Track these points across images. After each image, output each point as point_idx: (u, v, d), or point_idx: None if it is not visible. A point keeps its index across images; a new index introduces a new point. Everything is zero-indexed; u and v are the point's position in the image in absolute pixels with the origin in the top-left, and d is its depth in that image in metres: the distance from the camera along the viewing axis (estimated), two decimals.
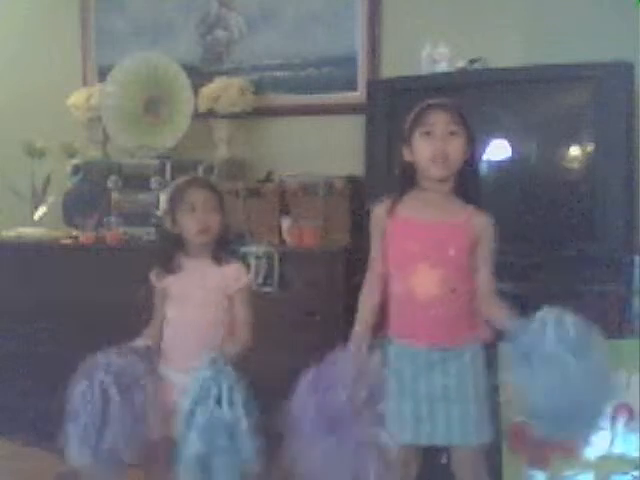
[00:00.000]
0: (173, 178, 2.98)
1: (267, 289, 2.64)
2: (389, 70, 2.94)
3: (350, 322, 1.89)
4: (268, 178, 2.95)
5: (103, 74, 3.34)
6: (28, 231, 3.19)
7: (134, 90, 3.20)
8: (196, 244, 1.99)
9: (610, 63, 2.25)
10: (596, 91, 2.26)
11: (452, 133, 1.81)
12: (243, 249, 2.69)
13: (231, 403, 1.76)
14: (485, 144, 2.45)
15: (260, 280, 2.66)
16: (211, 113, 3.09)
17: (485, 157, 2.45)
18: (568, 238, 2.31)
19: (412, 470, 1.89)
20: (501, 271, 2.35)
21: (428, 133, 1.82)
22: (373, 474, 1.65)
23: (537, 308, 1.68)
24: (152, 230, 2.99)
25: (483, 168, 2.46)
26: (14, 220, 3.25)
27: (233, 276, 1.98)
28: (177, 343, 1.99)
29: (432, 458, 1.96)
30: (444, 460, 2.20)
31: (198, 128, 3.11)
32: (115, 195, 3.06)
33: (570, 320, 1.65)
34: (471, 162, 1.87)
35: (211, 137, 3.16)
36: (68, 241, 3.07)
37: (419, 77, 2.63)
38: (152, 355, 1.99)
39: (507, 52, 2.69)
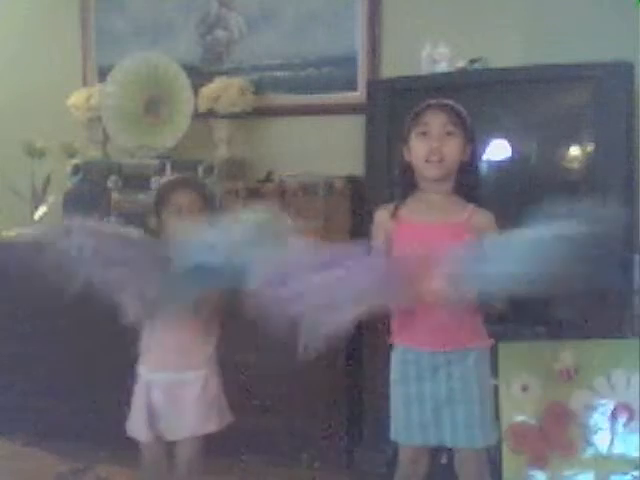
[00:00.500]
0: None
1: None
2: (389, 70, 2.94)
3: None
4: (268, 178, 2.95)
5: (103, 74, 3.33)
6: (28, 231, 3.19)
7: (134, 90, 3.20)
8: None
9: (610, 63, 2.25)
10: (596, 91, 2.26)
11: (449, 133, 1.81)
12: None
13: None
14: (485, 144, 2.45)
15: None
16: (211, 113, 3.09)
17: (485, 157, 2.45)
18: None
19: (421, 467, 1.90)
20: None
21: (424, 133, 1.82)
22: None
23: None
24: None
25: (483, 168, 2.47)
26: (14, 220, 3.25)
27: None
28: (154, 342, 1.98)
29: (432, 458, 1.96)
30: (444, 460, 2.20)
31: (198, 128, 3.10)
32: (115, 195, 3.05)
33: None
34: (471, 162, 1.86)
35: (211, 137, 3.15)
36: None
37: (419, 77, 2.63)
38: None
39: (507, 52, 2.69)
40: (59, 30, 3.56)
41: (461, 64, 2.62)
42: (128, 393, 2.04)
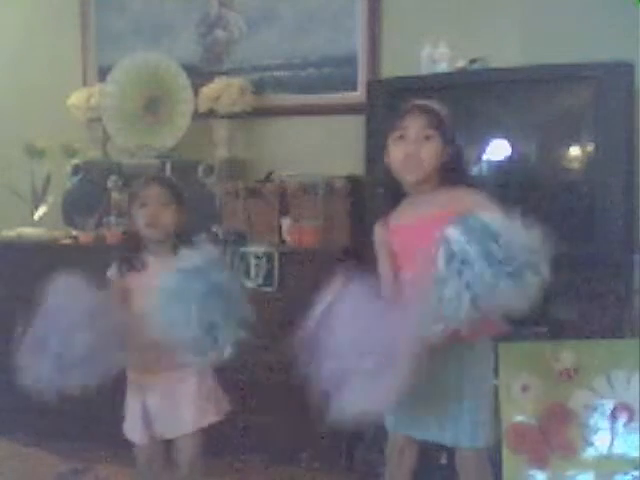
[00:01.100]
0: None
1: (267, 289, 2.65)
2: (389, 70, 2.94)
3: None
4: (268, 178, 2.95)
5: (103, 74, 3.33)
6: (28, 231, 3.19)
7: (134, 90, 3.20)
8: (150, 239, 2.00)
9: (610, 63, 2.25)
10: (596, 91, 2.26)
11: (427, 137, 1.80)
12: (243, 249, 2.69)
13: None
14: (485, 144, 2.45)
15: (260, 280, 2.66)
16: (211, 113, 3.09)
17: (485, 157, 2.45)
18: (568, 238, 2.31)
19: (407, 459, 1.90)
20: None
21: (402, 137, 1.82)
22: None
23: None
24: None
25: (483, 168, 2.47)
26: (14, 220, 3.24)
27: None
28: (142, 343, 1.92)
29: (432, 458, 1.96)
30: (444, 460, 2.21)
31: (198, 128, 3.11)
32: (115, 195, 3.05)
33: None
34: (453, 162, 1.85)
35: (211, 137, 3.15)
36: (68, 241, 3.07)
37: (419, 77, 2.63)
38: None
39: (507, 52, 2.69)
40: (59, 30, 3.56)
41: (461, 64, 2.62)
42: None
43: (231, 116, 3.10)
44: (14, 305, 3.06)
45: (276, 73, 3.18)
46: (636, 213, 2.42)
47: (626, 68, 2.26)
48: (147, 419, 1.99)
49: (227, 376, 2.06)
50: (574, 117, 2.36)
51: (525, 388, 2.15)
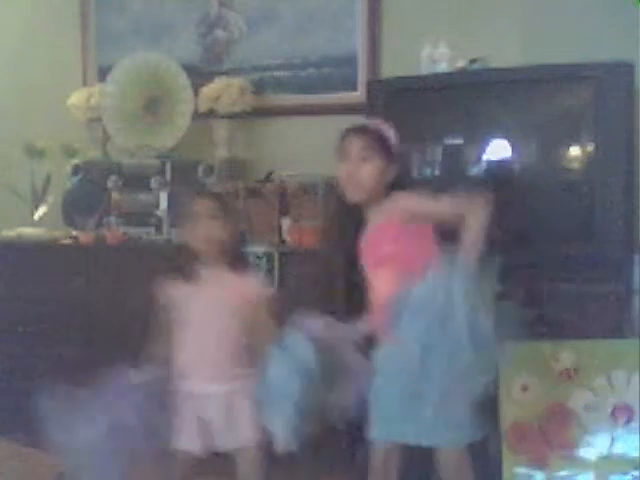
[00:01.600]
0: (173, 178, 2.99)
1: None
2: (389, 70, 2.94)
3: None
4: (268, 178, 2.95)
5: (103, 74, 3.34)
6: (28, 231, 3.19)
7: (134, 90, 3.20)
8: (201, 253, 2.00)
9: (610, 63, 2.25)
10: (596, 91, 2.25)
11: (364, 159, 1.87)
12: (243, 249, 2.69)
13: None
14: (485, 144, 2.45)
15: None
16: (211, 113, 3.09)
17: (485, 157, 2.45)
18: (568, 238, 2.31)
19: (392, 470, 1.93)
20: (500, 272, 2.36)
21: (343, 159, 1.90)
22: None
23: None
24: (152, 230, 2.99)
25: (483, 168, 2.47)
26: (14, 220, 3.25)
27: (254, 286, 2.02)
28: (196, 354, 1.96)
29: (432, 458, 1.96)
30: None
31: (198, 128, 3.11)
32: (115, 195, 3.05)
33: None
34: (398, 180, 1.91)
35: (211, 137, 3.15)
36: (68, 241, 3.07)
37: (419, 77, 2.63)
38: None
39: (507, 52, 2.69)
40: (59, 30, 3.56)
41: (461, 64, 2.62)
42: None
43: (231, 116, 3.10)
44: (14, 305, 3.07)
45: (276, 73, 3.18)
46: (636, 213, 2.42)
47: (626, 68, 2.25)
48: (204, 429, 1.96)
49: None
50: (574, 117, 2.36)
51: (525, 388, 2.15)
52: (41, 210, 3.29)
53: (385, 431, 1.87)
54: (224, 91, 3.07)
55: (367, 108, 2.64)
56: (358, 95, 2.97)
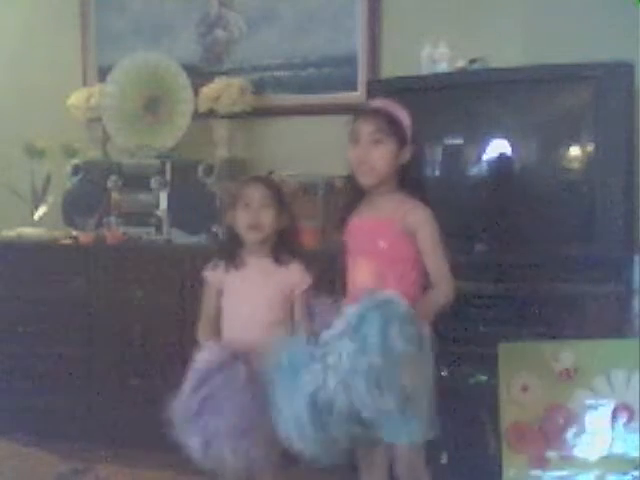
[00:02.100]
0: (173, 178, 2.99)
1: None
2: (389, 70, 2.94)
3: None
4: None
5: (103, 74, 3.33)
6: (28, 231, 3.19)
7: (134, 90, 3.20)
8: (250, 240, 2.00)
9: (610, 63, 2.25)
10: (596, 91, 2.26)
11: (377, 141, 1.85)
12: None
13: None
14: (485, 144, 2.45)
15: None
16: (211, 113, 3.09)
17: (485, 157, 2.45)
18: (568, 238, 2.31)
19: (379, 467, 1.94)
20: (501, 272, 2.36)
21: (355, 141, 1.87)
22: None
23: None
24: (152, 230, 2.99)
25: (483, 168, 2.47)
26: (14, 220, 3.24)
27: (297, 276, 2.00)
28: (239, 341, 1.93)
29: (432, 458, 1.96)
30: (444, 460, 2.20)
31: (198, 128, 3.10)
32: (115, 195, 3.05)
33: None
34: (411, 164, 1.89)
35: (211, 137, 3.15)
36: (68, 241, 3.07)
37: (419, 77, 2.63)
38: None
39: (507, 52, 2.69)
40: (59, 30, 3.56)
41: (461, 64, 2.62)
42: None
43: (231, 116, 3.09)
44: (14, 305, 3.07)
45: (276, 73, 3.18)
46: (636, 213, 2.42)
47: (626, 68, 2.25)
48: None
49: None
50: (574, 117, 2.36)
51: (525, 388, 2.15)
52: (41, 210, 3.29)
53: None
54: (224, 91, 3.06)
55: None
56: (358, 95, 2.97)
